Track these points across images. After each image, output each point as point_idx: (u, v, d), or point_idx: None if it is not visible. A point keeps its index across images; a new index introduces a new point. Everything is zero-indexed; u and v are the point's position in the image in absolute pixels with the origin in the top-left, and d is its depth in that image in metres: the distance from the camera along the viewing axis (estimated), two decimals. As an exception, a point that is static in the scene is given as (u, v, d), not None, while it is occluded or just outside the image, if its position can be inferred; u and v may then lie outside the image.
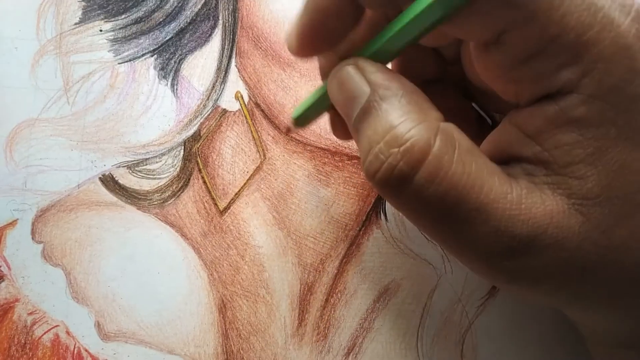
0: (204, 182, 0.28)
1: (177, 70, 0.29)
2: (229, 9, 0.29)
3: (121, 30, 0.29)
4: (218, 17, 0.29)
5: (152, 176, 0.28)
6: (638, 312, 0.18)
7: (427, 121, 0.17)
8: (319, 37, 0.19)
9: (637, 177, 0.16)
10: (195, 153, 0.28)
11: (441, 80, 0.23)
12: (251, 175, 0.28)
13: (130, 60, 0.29)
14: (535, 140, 0.17)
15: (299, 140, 0.28)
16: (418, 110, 0.17)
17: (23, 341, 0.26)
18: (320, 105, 0.21)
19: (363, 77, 0.18)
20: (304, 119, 0.22)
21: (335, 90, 0.19)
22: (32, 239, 0.27)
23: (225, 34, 0.29)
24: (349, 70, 0.18)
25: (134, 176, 0.28)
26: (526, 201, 0.16)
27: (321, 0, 0.18)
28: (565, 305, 0.20)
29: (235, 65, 0.29)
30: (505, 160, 0.18)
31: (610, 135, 0.16)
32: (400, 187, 0.17)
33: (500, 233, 0.16)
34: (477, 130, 0.23)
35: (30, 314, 0.27)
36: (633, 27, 0.15)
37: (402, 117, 0.17)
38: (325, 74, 0.21)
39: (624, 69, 0.15)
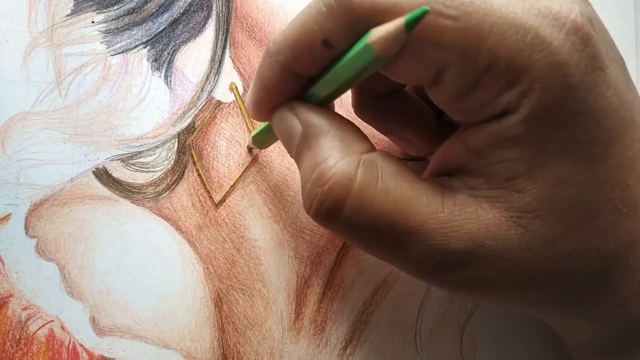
0: (199, 174, 0.28)
1: (170, 62, 0.28)
2: (222, -1, 0.29)
3: (113, 22, 0.28)
4: (211, 8, 0.29)
5: (146, 169, 0.27)
6: (603, 319, 0.19)
7: (349, 155, 0.18)
8: (267, 105, 0.20)
9: (579, 189, 0.16)
10: (189, 145, 0.28)
11: (401, 90, 0.24)
12: (246, 167, 0.28)
13: (122, 52, 0.28)
14: (478, 156, 0.17)
15: (295, 132, 0.28)
16: (342, 145, 0.18)
17: (18, 336, 0.26)
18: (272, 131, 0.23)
19: (295, 117, 0.19)
20: (260, 141, 0.25)
21: (276, 129, 0.21)
22: (26, 233, 0.27)
23: (219, 25, 0.29)
24: (283, 112, 0.20)
25: (128, 169, 0.27)
26: (459, 217, 0.17)
27: (265, 79, 0.19)
28: (526, 312, 0.21)
29: (230, 56, 0.28)
30: (451, 172, 0.19)
31: (548, 151, 0.16)
32: (332, 220, 0.18)
33: (435, 251, 0.17)
34: (438, 132, 0.23)
35: (25, 309, 0.26)
36: (568, 40, 0.15)
37: (327, 154, 0.18)
38: None
39: (559, 87, 0.15)
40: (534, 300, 0.18)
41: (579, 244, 0.17)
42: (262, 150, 0.28)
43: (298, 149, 0.19)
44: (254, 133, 0.25)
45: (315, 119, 0.19)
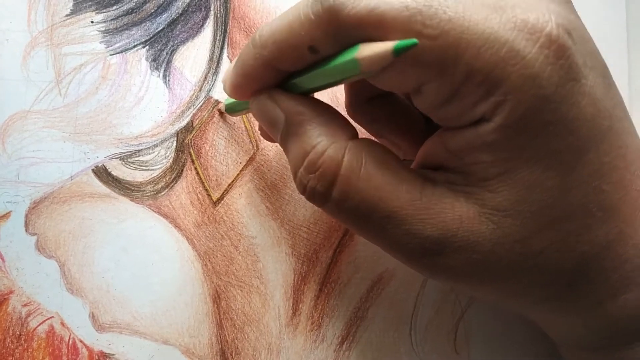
0: (197, 173, 0.28)
1: (169, 62, 0.29)
2: (220, 0, 0.29)
3: (112, 22, 0.29)
4: (209, 8, 0.29)
5: (145, 167, 0.28)
6: (582, 317, 0.20)
7: (336, 142, 0.19)
8: (245, 90, 0.21)
9: (550, 193, 0.17)
10: (188, 144, 0.28)
11: (393, 94, 0.24)
12: (244, 166, 0.28)
13: (122, 52, 0.28)
14: (456, 156, 0.18)
15: (292, 131, 0.28)
16: (327, 132, 0.19)
17: (18, 333, 0.26)
18: (245, 104, 0.24)
19: (276, 105, 0.20)
20: (233, 110, 0.26)
21: (256, 115, 0.22)
22: (26, 230, 0.27)
23: (217, 25, 0.29)
24: (263, 99, 0.21)
25: (127, 168, 0.28)
26: (435, 207, 0.18)
27: (247, 67, 0.20)
28: (503, 304, 0.22)
29: (227, 56, 0.29)
30: (434, 166, 0.20)
31: (520, 158, 0.17)
32: (323, 203, 0.19)
33: (411, 235, 0.18)
34: (425, 138, 0.24)
35: (25, 305, 0.27)
36: (541, 54, 0.16)
37: (314, 141, 0.19)
38: None
39: (532, 98, 0.16)
40: (506, 293, 0.19)
41: (549, 244, 0.18)
42: (260, 149, 0.28)
43: (283, 137, 0.20)
44: (228, 101, 0.26)
45: (297, 106, 0.20)
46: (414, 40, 0.15)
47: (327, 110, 0.20)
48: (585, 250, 0.18)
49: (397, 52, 0.16)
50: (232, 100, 0.25)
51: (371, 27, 0.17)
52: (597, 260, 0.18)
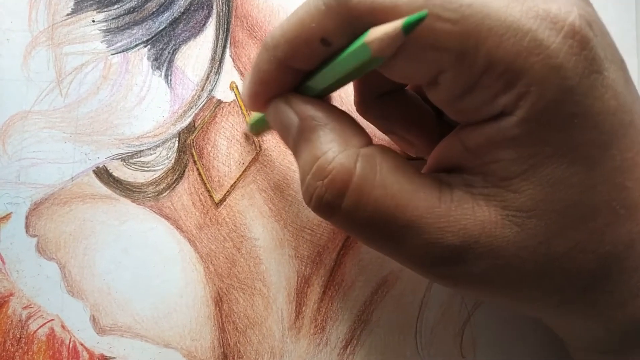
0: (199, 174, 0.28)
1: (171, 61, 0.28)
2: (223, -2, 0.29)
3: (114, 21, 0.28)
4: (212, 7, 0.29)
5: (146, 168, 0.28)
6: (601, 319, 0.19)
7: (348, 149, 0.18)
8: (262, 97, 0.21)
9: (575, 190, 0.16)
10: (190, 145, 0.28)
11: (403, 90, 0.24)
12: (247, 166, 0.28)
13: (123, 51, 0.28)
14: (474, 155, 0.17)
15: (295, 131, 0.28)
16: (340, 139, 0.18)
17: (18, 335, 0.26)
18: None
19: (291, 109, 0.19)
20: (256, 128, 0.25)
21: (272, 120, 0.21)
22: (26, 232, 0.27)
23: (220, 24, 0.29)
24: (279, 103, 0.20)
25: (128, 168, 0.27)
26: (455, 213, 0.17)
27: (262, 73, 0.20)
28: (523, 310, 0.21)
29: (230, 55, 0.28)
30: (448, 169, 0.19)
31: (545, 153, 0.16)
32: (331, 213, 0.18)
33: (431, 245, 0.17)
34: (438, 133, 0.23)
35: (25, 308, 0.26)
36: (565, 44, 0.15)
37: (325, 147, 0.18)
38: None
39: (556, 90, 0.15)
40: (530, 298, 0.19)
41: (574, 244, 0.17)
42: (262, 150, 0.28)
43: (295, 141, 0.19)
44: (251, 121, 0.25)
45: (312, 111, 0.19)
46: (424, 12, 0.15)
47: (341, 117, 0.19)
48: (608, 250, 0.17)
49: (407, 29, 0.15)
50: (255, 118, 0.25)
51: (384, 13, 0.16)
52: (619, 260, 0.17)
